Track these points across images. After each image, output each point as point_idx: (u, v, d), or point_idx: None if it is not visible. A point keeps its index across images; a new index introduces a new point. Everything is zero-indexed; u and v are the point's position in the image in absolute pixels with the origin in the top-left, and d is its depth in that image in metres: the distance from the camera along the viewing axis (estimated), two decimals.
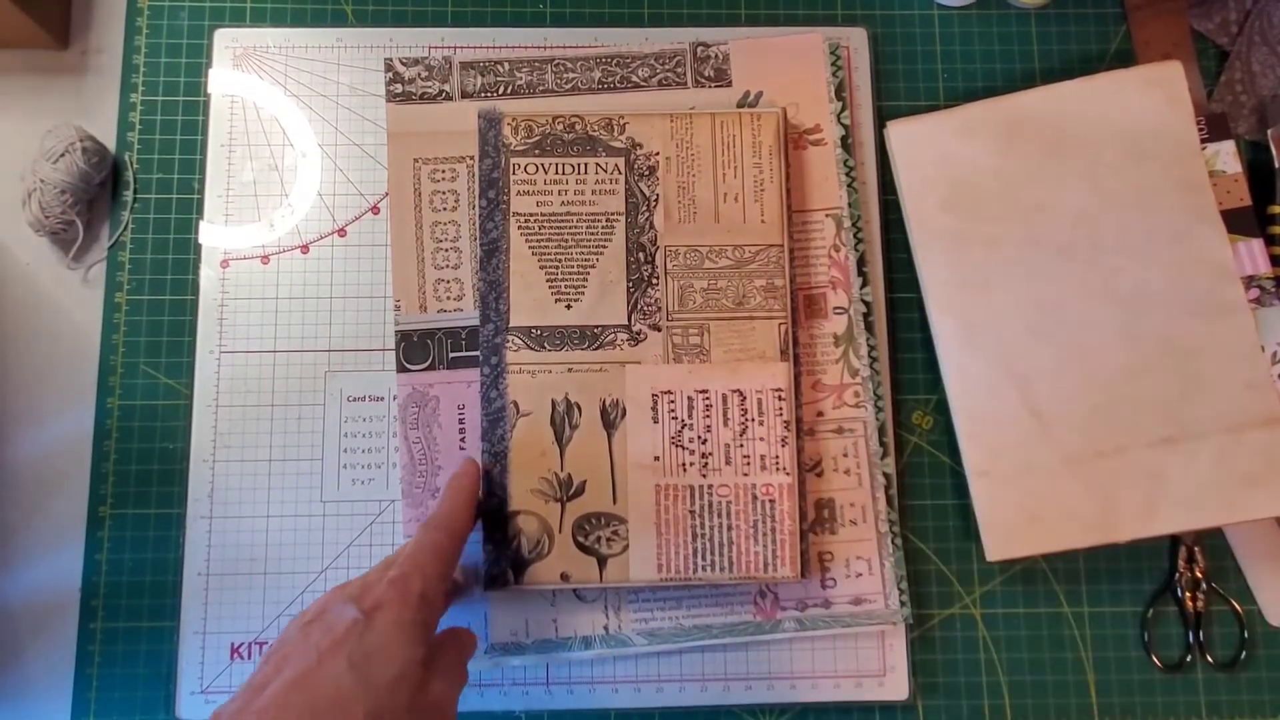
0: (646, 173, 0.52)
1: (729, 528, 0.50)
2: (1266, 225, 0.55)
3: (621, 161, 0.53)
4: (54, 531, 0.53)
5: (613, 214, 0.52)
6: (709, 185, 0.52)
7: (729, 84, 0.56)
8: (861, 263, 0.54)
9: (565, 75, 0.56)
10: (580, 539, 0.50)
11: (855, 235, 0.55)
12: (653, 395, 0.51)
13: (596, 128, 0.53)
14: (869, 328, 0.54)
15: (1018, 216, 0.53)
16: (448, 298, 0.54)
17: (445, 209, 0.54)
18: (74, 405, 0.54)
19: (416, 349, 0.53)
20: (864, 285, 0.54)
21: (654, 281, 0.52)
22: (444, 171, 0.55)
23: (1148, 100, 0.54)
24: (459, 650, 0.44)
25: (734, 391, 0.51)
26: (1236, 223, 0.53)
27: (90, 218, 0.55)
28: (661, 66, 0.56)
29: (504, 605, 0.52)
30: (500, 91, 0.55)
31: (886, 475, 0.53)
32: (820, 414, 0.53)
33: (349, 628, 0.39)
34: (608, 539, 0.50)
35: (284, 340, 0.54)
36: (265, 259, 0.55)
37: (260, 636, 0.52)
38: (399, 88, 0.55)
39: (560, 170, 0.53)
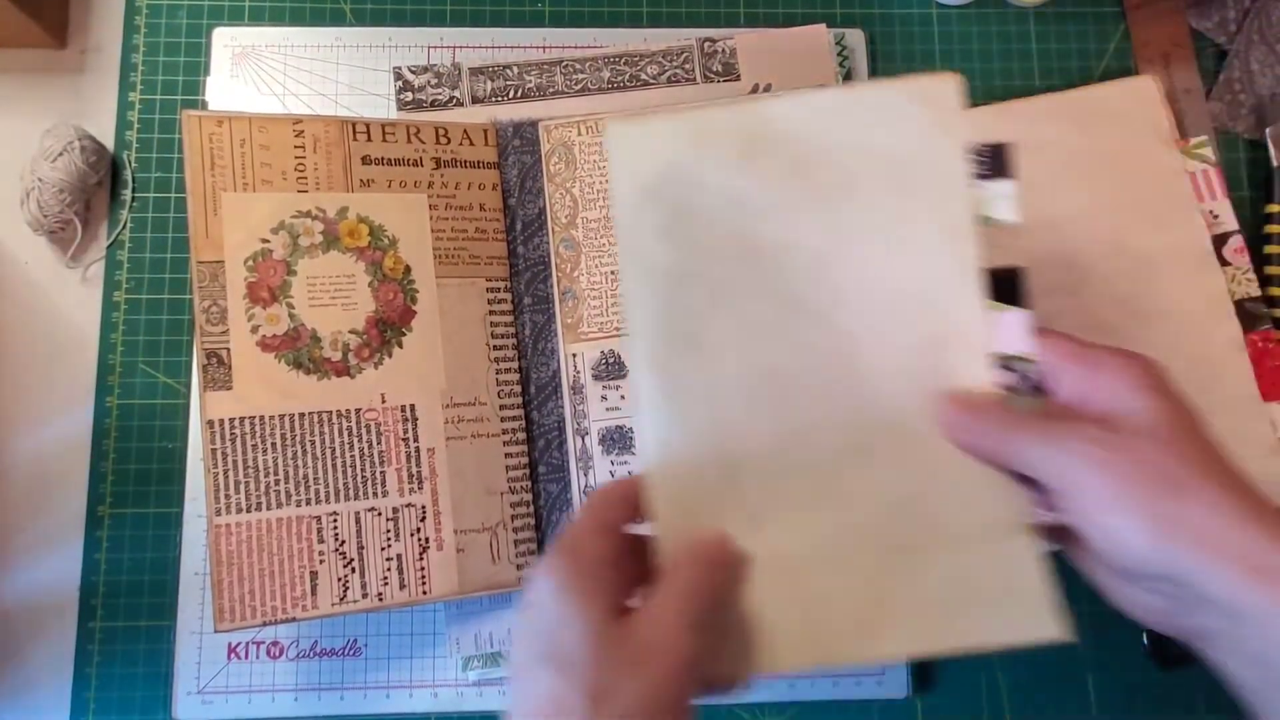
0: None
1: None
2: (1264, 224, 0.55)
3: None
4: (53, 531, 0.53)
5: None
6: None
7: (737, 78, 0.56)
8: None
9: (574, 76, 0.56)
10: None
11: None
12: None
13: None
14: None
15: (750, 256, 0.42)
16: None
17: None
18: (72, 404, 0.54)
19: None
20: None
21: None
22: None
23: (914, 120, 0.42)
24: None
25: None
26: (1003, 287, 0.40)
27: (89, 217, 0.55)
28: (670, 63, 0.56)
29: None
30: (511, 95, 0.55)
31: None
32: None
33: None
34: None
35: None
36: None
37: (258, 636, 0.52)
38: (409, 96, 0.55)
39: None
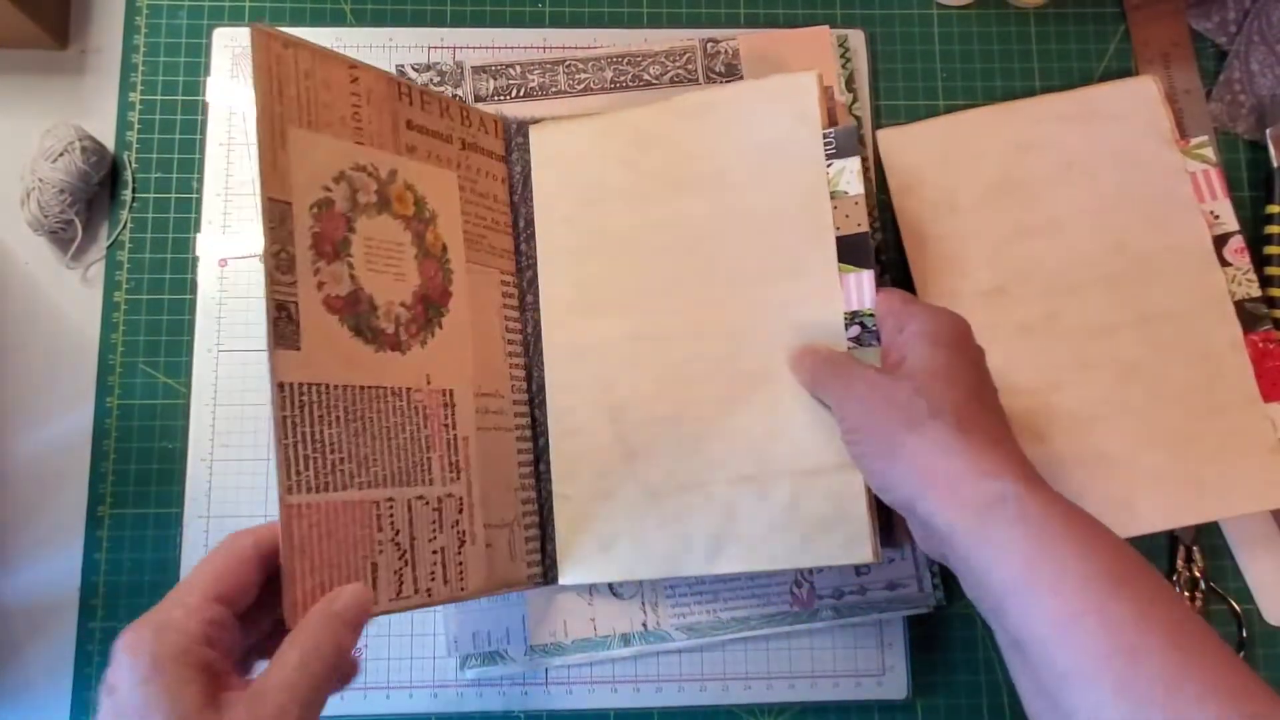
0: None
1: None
2: (1264, 225, 0.56)
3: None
4: (53, 531, 0.53)
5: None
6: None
7: (740, 79, 0.56)
8: (879, 251, 0.55)
9: (577, 76, 0.56)
10: None
11: (873, 226, 0.55)
12: None
13: None
14: None
15: (641, 235, 0.50)
16: None
17: None
18: (73, 405, 0.54)
19: None
20: (883, 273, 0.54)
21: None
22: None
23: (776, 114, 0.49)
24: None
25: None
26: (851, 251, 0.47)
27: (89, 217, 0.55)
28: (672, 63, 0.56)
29: (542, 607, 0.52)
30: (513, 94, 0.55)
31: None
32: None
33: None
34: None
35: None
36: None
37: None
38: None
39: None
